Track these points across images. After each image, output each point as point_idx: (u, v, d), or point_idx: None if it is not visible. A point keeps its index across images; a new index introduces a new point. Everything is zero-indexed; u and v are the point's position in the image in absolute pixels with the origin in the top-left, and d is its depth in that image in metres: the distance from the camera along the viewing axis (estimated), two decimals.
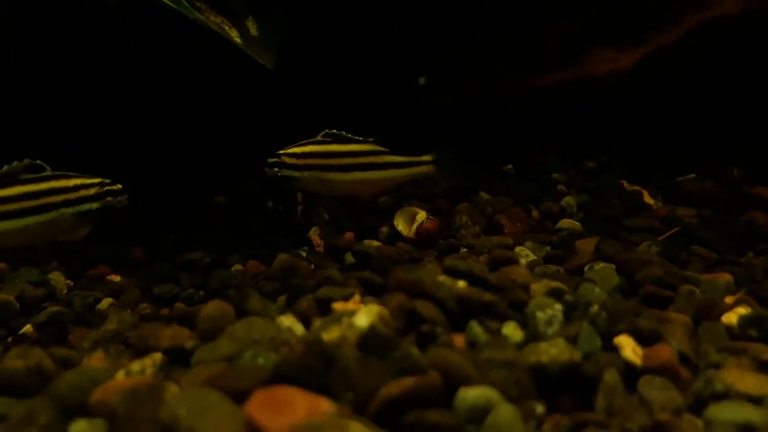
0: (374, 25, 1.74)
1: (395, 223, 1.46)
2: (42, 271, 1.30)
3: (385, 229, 1.46)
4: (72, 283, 1.28)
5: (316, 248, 1.42)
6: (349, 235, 1.47)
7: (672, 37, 1.70)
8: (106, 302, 1.21)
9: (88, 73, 1.52)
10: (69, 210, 1.12)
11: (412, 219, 1.45)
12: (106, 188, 1.15)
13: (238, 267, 1.33)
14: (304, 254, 1.35)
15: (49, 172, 1.13)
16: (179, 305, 1.19)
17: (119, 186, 1.16)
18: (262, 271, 1.30)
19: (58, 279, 1.27)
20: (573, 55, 1.78)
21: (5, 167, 1.12)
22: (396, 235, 1.44)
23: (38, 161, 1.12)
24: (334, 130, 1.38)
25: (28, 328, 1.04)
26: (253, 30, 1.44)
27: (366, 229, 1.48)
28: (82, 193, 1.13)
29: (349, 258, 1.32)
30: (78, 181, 1.14)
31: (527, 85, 1.81)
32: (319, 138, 1.39)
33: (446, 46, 1.80)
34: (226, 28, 1.39)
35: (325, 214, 1.59)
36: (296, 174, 1.37)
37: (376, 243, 1.41)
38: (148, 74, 1.56)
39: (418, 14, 1.74)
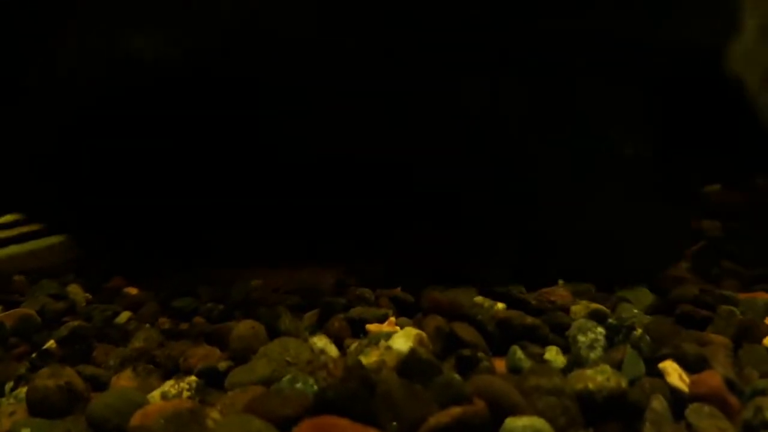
0: None
1: None
2: (61, 284, 1.28)
3: None
4: (90, 296, 1.27)
5: None
6: None
7: None
8: (124, 316, 1.18)
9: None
10: None
11: None
12: None
13: (257, 281, 1.32)
14: None
15: None
16: (198, 319, 1.17)
17: None
18: (281, 285, 1.28)
19: (76, 292, 1.26)
20: None
21: None
22: None
23: None
24: None
25: (51, 343, 1.02)
26: None
27: None
28: None
29: None
30: None
31: None
32: None
33: None
34: None
35: None
36: None
37: None
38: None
39: None
